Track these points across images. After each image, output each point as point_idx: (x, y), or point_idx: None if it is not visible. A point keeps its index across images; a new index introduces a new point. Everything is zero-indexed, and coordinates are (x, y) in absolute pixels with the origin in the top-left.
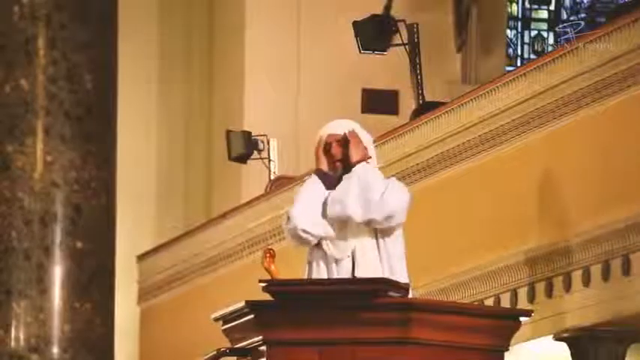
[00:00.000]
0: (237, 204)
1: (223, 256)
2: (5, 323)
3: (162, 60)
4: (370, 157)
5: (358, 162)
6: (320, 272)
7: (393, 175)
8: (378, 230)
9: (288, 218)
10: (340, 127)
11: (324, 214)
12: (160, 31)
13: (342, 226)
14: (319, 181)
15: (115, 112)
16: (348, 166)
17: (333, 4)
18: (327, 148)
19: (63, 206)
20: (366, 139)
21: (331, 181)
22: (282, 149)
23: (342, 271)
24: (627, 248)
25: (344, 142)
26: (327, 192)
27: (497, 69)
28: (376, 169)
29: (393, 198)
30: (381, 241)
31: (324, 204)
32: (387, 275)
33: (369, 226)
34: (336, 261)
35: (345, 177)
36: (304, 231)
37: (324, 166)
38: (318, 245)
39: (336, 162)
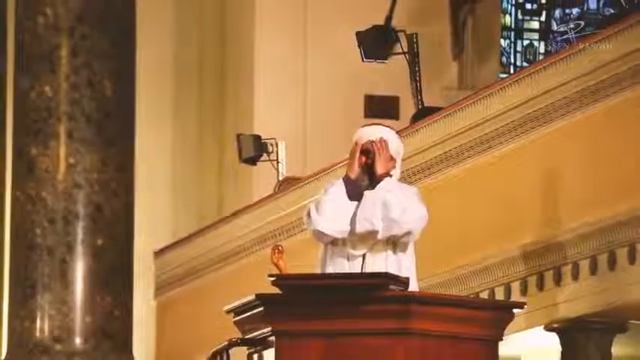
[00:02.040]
0: (247, 203)
1: (235, 252)
2: (31, 315)
3: (178, 69)
4: (394, 171)
5: (382, 175)
6: (335, 267)
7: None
8: (392, 242)
9: (309, 216)
10: (373, 132)
11: (346, 225)
12: (175, 42)
13: (360, 234)
14: (344, 188)
15: (133, 117)
16: (372, 176)
17: (337, 15)
18: (362, 153)
19: (84, 205)
20: (396, 145)
21: (356, 191)
22: (290, 152)
23: (354, 269)
24: (613, 244)
25: (371, 150)
26: (349, 202)
27: (492, 76)
28: (397, 182)
29: (413, 216)
30: (392, 253)
31: (352, 220)
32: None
33: (391, 239)
34: (349, 258)
35: (367, 193)
36: (320, 232)
37: (354, 174)
38: (334, 243)
39: (363, 169)
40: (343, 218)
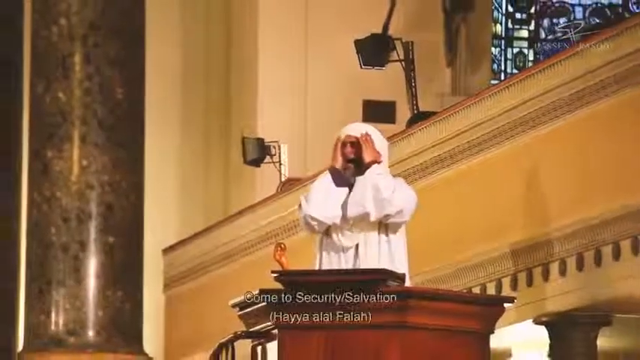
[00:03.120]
0: (251, 203)
1: (239, 249)
2: (46, 310)
3: (185, 75)
4: (381, 162)
5: (370, 163)
6: (330, 260)
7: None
8: (385, 226)
9: (300, 207)
10: (356, 129)
11: (336, 210)
12: (183, 50)
13: (352, 219)
14: (331, 178)
15: (143, 120)
16: (360, 166)
17: (337, 24)
18: (343, 147)
19: (97, 205)
20: (380, 142)
21: (342, 179)
22: (292, 154)
23: (348, 260)
24: (598, 242)
25: (357, 144)
26: (337, 189)
27: (483, 82)
28: (387, 170)
29: (403, 195)
30: (384, 236)
31: (343, 205)
32: (387, 266)
33: (383, 221)
34: (343, 249)
35: (358, 179)
36: (312, 218)
37: (339, 164)
38: (328, 235)
39: (349, 161)
40: (333, 204)
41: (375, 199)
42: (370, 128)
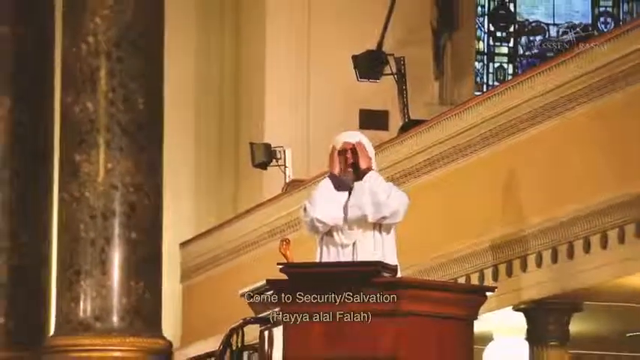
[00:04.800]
0: (259, 202)
1: (248, 244)
2: (75, 297)
3: (200, 86)
4: (372, 167)
5: (366, 169)
6: (330, 255)
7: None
8: (379, 225)
9: (305, 210)
10: (352, 137)
11: (339, 213)
12: (198, 64)
13: (352, 220)
14: (330, 182)
15: (162, 128)
16: (357, 171)
17: (336, 41)
18: (340, 154)
19: (120, 204)
20: (370, 148)
21: (341, 183)
22: (296, 158)
23: (346, 255)
24: (571, 237)
25: (353, 150)
26: (338, 192)
27: (468, 93)
28: (379, 176)
29: (397, 199)
30: (378, 234)
31: (344, 208)
32: (381, 260)
33: (379, 222)
34: (342, 246)
35: (357, 184)
36: (318, 220)
37: (337, 169)
38: (329, 233)
39: (348, 165)
40: (335, 206)
41: (372, 202)
42: (361, 136)
